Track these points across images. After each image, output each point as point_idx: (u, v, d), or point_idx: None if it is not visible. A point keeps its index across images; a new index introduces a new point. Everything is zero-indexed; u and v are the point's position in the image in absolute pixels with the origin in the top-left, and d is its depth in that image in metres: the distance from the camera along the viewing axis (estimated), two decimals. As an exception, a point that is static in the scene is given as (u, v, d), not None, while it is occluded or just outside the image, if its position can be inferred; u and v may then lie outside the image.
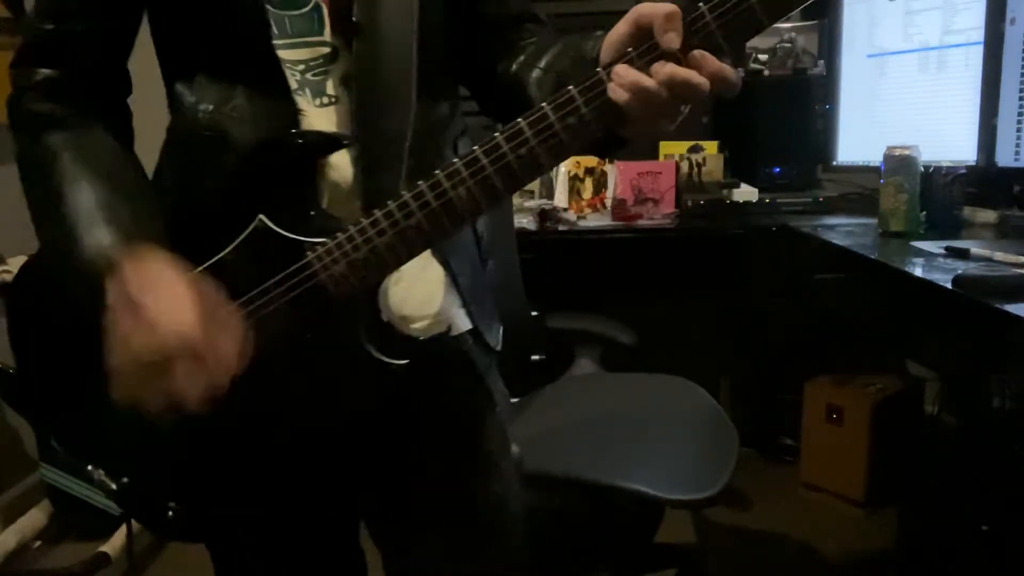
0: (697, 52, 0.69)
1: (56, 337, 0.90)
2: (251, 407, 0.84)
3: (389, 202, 0.78)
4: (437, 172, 0.77)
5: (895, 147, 1.78)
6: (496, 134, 0.75)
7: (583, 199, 2.53)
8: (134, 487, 0.90)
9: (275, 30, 0.83)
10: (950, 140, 1.93)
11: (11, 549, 2.19)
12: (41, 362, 0.93)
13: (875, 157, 1.89)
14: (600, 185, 2.53)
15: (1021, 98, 1.78)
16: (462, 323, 0.95)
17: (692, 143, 2.48)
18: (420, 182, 0.78)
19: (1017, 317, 1.10)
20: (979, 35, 1.86)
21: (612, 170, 2.48)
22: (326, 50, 0.86)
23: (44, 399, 0.94)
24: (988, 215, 1.85)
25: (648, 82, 0.69)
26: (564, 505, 1.58)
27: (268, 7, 0.83)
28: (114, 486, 0.89)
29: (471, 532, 0.97)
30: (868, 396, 2.38)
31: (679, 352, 2.27)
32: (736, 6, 0.68)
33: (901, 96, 2.13)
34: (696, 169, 2.48)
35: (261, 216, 0.81)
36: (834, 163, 2.38)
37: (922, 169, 1.79)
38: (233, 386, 0.81)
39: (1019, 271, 1.30)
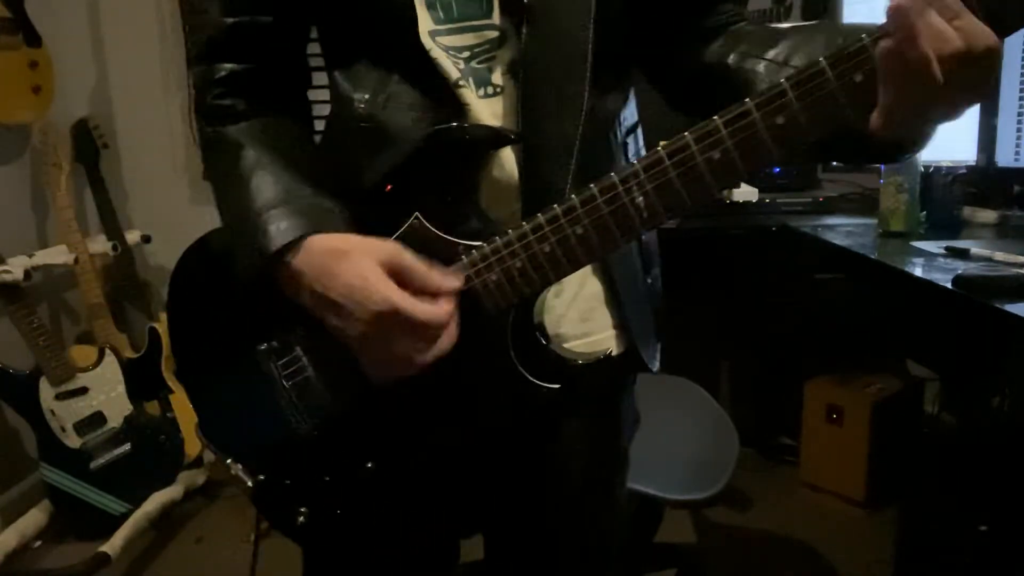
0: None
1: (215, 322, 0.88)
2: (391, 417, 0.81)
3: (555, 206, 0.72)
4: (612, 175, 0.69)
5: (895, 147, 1.77)
6: (686, 132, 0.66)
7: (583, 199, 2.53)
8: (269, 487, 0.87)
9: (440, 14, 0.78)
10: (950, 140, 1.93)
11: (11, 549, 2.18)
12: (196, 346, 0.90)
13: (875, 157, 1.89)
14: (600, 185, 2.53)
15: (1021, 98, 1.78)
16: (614, 345, 0.89)
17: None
18: (592, 185, 0.70)
19: (1017, 317, 1.10)
20: (979, 35, 1.86)
21: (612, 170, 2.48)
22: (493, 35, 0.79)
23: (195, 384, 0.92)
24: (988, 215, 1.85)
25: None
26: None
27: None
28: (249, 482, 0.87)
29: (581, 561, 0.96)
30: (868, 396, 2.38)
31: (679, 352, 2.26)
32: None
33: (901, 96, 2.12)
34: (696, 169, 2.47)
35: (417, 214, 0.77)
36: (834, 163, 2.38)
37: (922, 169, 1.79)
38: (374, 395, 0.79)
39: (1019, 271, 1.30)
